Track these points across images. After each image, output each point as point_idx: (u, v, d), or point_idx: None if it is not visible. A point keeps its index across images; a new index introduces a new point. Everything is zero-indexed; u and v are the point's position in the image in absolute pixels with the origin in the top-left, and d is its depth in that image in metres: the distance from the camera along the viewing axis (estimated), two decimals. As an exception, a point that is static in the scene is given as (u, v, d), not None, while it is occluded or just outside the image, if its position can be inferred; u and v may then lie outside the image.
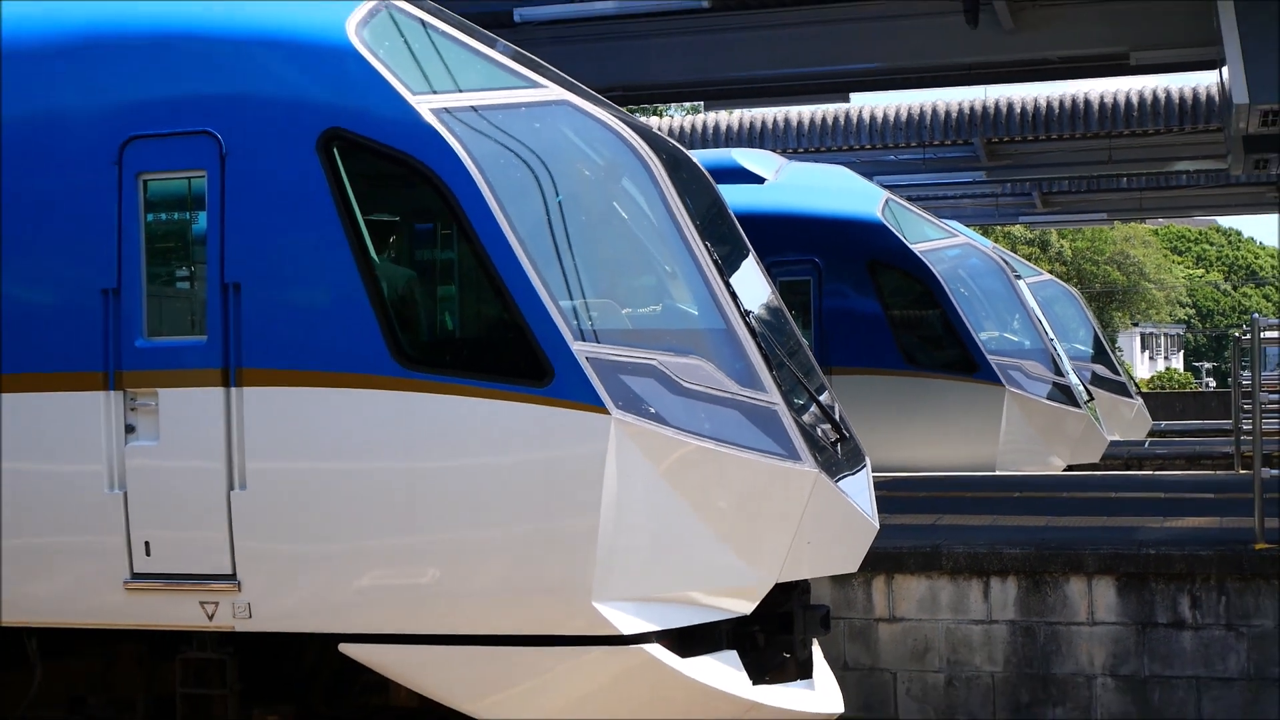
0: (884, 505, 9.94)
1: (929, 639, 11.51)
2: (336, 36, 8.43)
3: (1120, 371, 29.20)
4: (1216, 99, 24.66)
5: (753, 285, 9.38)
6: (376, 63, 8.35)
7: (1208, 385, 71.80)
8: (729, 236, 9.51)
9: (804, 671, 9.00)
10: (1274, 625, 10.84)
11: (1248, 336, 13.22)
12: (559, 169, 8.59)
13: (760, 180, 19.61)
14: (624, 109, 9.91)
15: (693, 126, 28.52)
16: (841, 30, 18.97)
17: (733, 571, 8.38)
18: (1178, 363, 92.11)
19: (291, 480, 8.33)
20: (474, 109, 8.44)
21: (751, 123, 27.77)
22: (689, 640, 8.36)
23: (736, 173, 19.30)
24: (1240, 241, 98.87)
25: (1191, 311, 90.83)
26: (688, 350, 8.40)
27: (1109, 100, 26.13)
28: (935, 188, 33.22)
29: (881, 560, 11.32)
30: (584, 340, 8.07)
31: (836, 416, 9.21)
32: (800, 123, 27.38)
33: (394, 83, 8.30)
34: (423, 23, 8.80)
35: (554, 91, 8.77)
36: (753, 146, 26.27)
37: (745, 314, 8.69)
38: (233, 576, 8.39)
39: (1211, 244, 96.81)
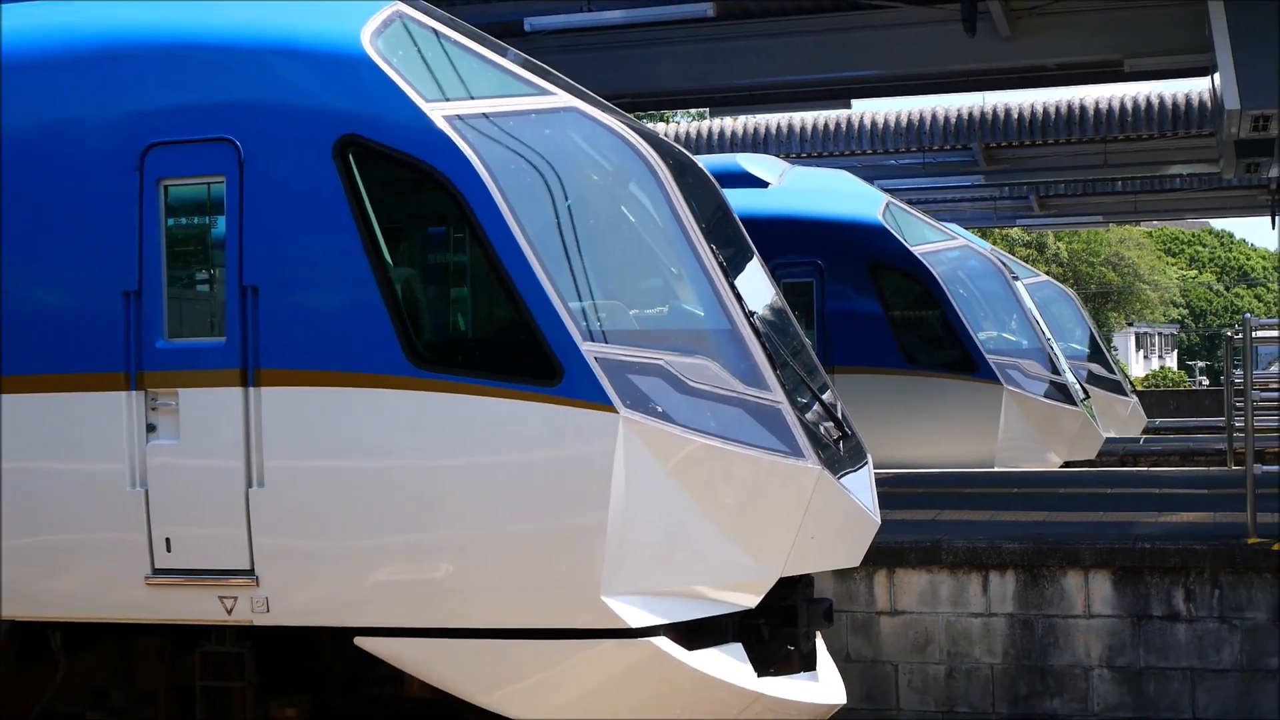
0: (885, 501, 9.98)
1: (929, 632, 11.54)
2: (352, 45, 8.51)
3: (1116, 370, 29.22)
4: (1209, 104, 24.68)
5: (757, 287, 9.47)
6: (390, 71, 8.42)
7: (1201, 383, 71.68)
8: (734, 239, 9.58)
9: (807, 663, 9.08)
10: (1266, 618, 10.88)
11: (1240, 336, 13.30)
12: (568, 174, 8.67)
13: (764, 184, 19.64)
14: (631, 115, 9.96)
15: (698, 132, 28.55)
16: (843, 39, 19.01)
17: (738, 566, 8.44)
18: (1172, 362, 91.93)
19: (308, 478, 8.41)
20: (485, 116, 8.50)
21: (755, 128, 27.82)
22: (695, 633, 8.43)
23: (741, 177, 19.32)
24: (1233, 243, 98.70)
25: (1185, 312, 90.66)
26: (694, 350, 8.48)
27: (1104, 106, 26.19)
28: (935, 191, 33.25)
29: (883, 555, 11.37)
30: (593, 341, 8.14)
31: (839, 415, 9.27)
32: (803, 128, 27.46)
33: (408, 90, 8.37)
34: (435, 32, 8.87)
35: (563, 99, 8.84)
36: (757, 152, 26.28)
37: (750, 315, 8.75)
38: (251, 572, 8.47)
39: (1204, 246, 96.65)
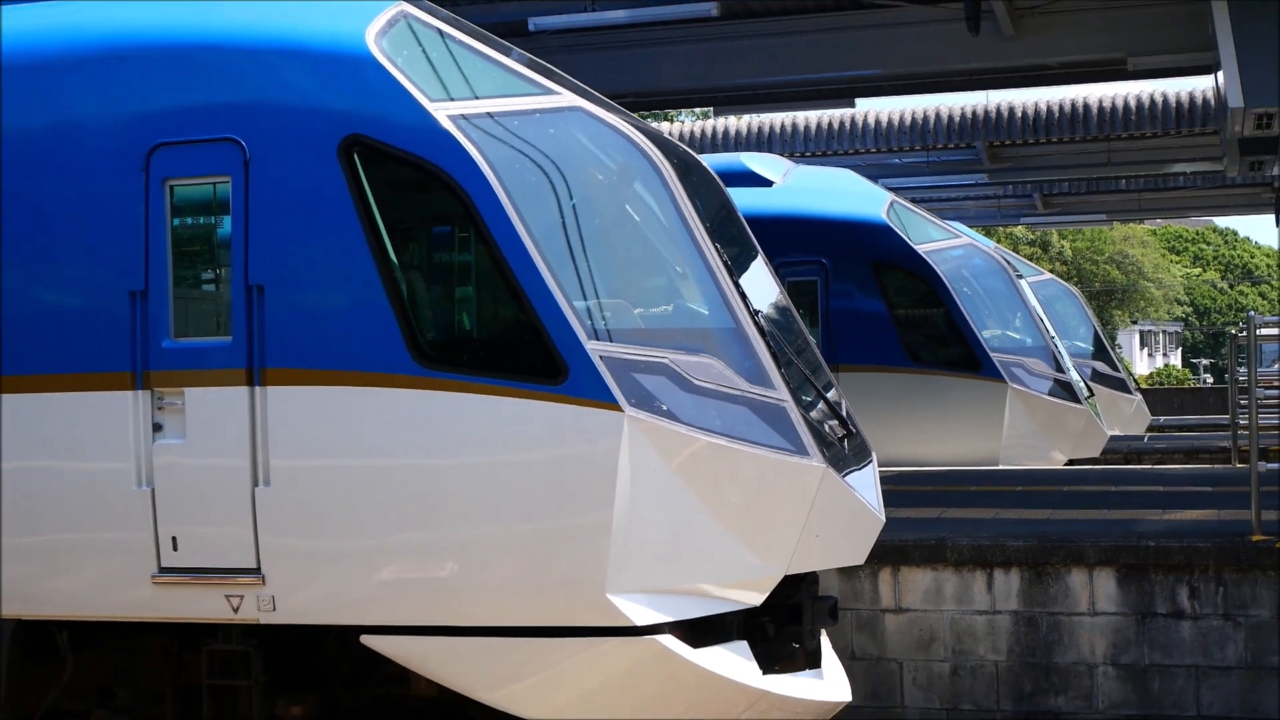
0: (890, 499, 9.99)
1: (934, 629, 11.55)
2: (356, 46, 8.52)
3: (1120, 368, 29.24)
4: (1212, 103, 24.73)
5: (761, 285, 9.46)
6: (395, 71, 8.42)
7: (1205, 381, 71.72)
8: (738, 238, 9.58)
9: (813, 661, 9.09)
10: (1270, 615, 10.89)
11: (1244, 334, 13.33)
12: (573, 173, 8.67)
13: (768, 183, 19.64)
14: (635, 115, 9.99)
15: (702, 131, 28.59)
16: (847, 38, 19.05)
17: (743, 564, 8.44)
18: (1176, 359, 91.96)
19: (314, 477, 8.41)
20: (490, 115, 8.51)
21: (760, 128, 27.85)
22: (700, 631, 8.43)
23: (745, 176, 19.32)
24: (1236, 241, 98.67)
25: (1189, 309, 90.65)
26: (699, 349, 8.48)
27: (1107, 104, 26.22)
28: (939, 190, 33.29)
29: (888, 552, 11.38)
30: (598, 339, 8.15)
31: (843, 413, 9.28)
32: (807, 127, 27.49)
33: (412, 90, 8.37)
34: (440, 32, 8.87)
35: (567, 98, 8.85)
36: (761, 151, 26.34)
37: (754, 313, 8.75)
38: (257, 570, 8.48)
39: (1208, 244, 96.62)
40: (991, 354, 18.61)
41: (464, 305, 8.76)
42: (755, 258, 9.71)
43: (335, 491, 8.41)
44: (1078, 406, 20.17)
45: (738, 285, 8.80)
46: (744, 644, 8.63)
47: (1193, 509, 13.42)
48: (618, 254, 8.82)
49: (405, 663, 8.61)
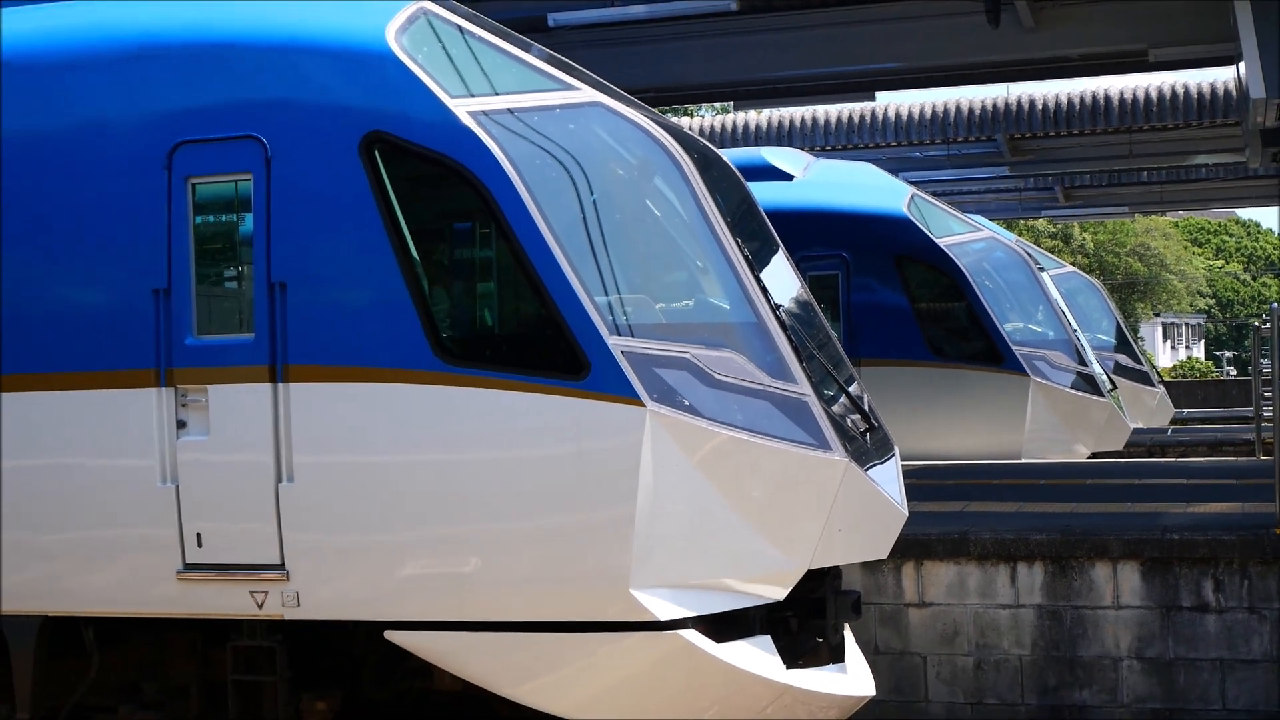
0: (912, 493, 9.95)
1: (958, 623, 11.54)
2: (377, 42, 8.54)
3: (1142, 361, 29.16)
4: (1234, 94, 24.64)
5: (783, 280, 9.46)
6: (415, 68, 8.44)
7: (1228, 373, 71.53)
8: (759, 233, 9.58)
9: (836, 655, 9.08)
10: (1296, 608, 10.88)
11: (1267, 325, 13.32)
12: (593, 169, 8.68)
13: (789, 178, 19.63)
14: (655, 110, 9.98)
15: (722, 126, 28.56)
16: (866, 31, 19.03)
17: (766, 558, 8.45)
18: (1199, 352, 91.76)
19: (337, 473, 8.44)
20: (510, 111, 8.52)
21: (780, 122, 27.82)
22: (724, 625, 8.43)
23: (766, 170, 19.30)
24: (1259, 233, 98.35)
25: (1212, 301, 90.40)
26: (720, 343, 8.48)
27: (1129, 96, 26.13)
28: (960, 183, 33.25)
29: (911, 547, 11.40)
30: (619, 335, 8.15)
31: (865, 407, 9.28)
32: (827, 121, 27.46)
33: (433, 87, 8.39)
34: (460, 28, 8.89)
35: (587, 93, 8.86)
36: (781, 145, 26.32)
37: (776, 308, 8.75)
38: (281, 566, 8.52)
39: (1231, 235, 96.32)
40: (1014, 347, 18.57)
41: (485, 301, 8.77)
42: (776, 252, 9.71)
43: (358, 487, 8.43)
44: (1100, 400, 20.12)
45: (759, 279, 8.80)
46: (767, 639, 8.63)
47: (1217, 502, 13.39)
48: (638, 249, 8.83)
49: (429, 658, 8.64)
